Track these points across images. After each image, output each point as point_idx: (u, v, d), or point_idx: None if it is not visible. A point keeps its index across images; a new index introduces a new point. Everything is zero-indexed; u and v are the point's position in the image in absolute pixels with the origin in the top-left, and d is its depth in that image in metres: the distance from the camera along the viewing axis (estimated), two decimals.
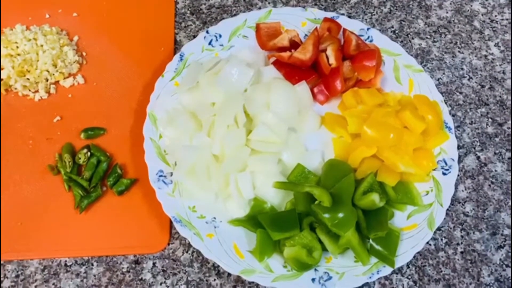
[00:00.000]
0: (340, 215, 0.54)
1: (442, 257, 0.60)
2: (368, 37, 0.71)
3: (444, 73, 0.74)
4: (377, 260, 0.56)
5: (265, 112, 0.62)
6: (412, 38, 0.76)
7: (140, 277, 0.57)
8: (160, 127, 0.62)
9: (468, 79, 0.73)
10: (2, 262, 0.57)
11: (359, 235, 0.56)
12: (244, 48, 0.69)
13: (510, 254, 0.61)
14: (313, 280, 0.55)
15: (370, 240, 0.56)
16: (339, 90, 0.66)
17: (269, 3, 0.77)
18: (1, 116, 0.64)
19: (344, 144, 0.64)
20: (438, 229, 0.62)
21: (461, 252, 0.61)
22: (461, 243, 0.61)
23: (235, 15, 0.75)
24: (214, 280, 0.57)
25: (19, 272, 0.56)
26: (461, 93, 0.72)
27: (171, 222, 0.60)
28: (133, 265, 0.58)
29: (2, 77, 0.65)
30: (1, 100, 0.65)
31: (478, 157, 0.67)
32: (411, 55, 0.71)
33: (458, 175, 0.63)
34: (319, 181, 0.60)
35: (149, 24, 0.73)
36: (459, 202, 0.64)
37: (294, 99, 0.64)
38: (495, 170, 0.67)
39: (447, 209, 0.61)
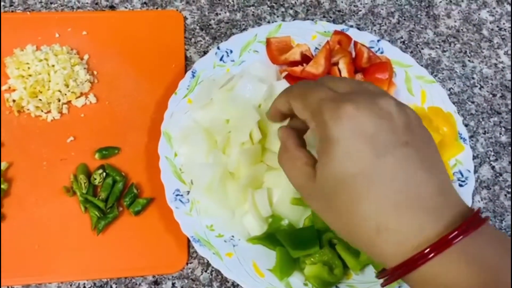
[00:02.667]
0: None
1: None
2: (379, 49, 0.71)
3: (455, 83, 0.74)
4: None
5: (279, 126, 0.61)
6: (422, 48, 0.76)
7: None
8: (175, 146, 0.62)
9: (480, 88, 0.74)
10: (20, 287, 0.56)
11: None
12: (256, 63, 0.68)
13: None
14: None
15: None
16: None
17: (277, 16, 0.78)
18: (15, 138, 0.64)
19: None
20: None
21: None
22: None
23: (244, 29, 0.75)
24: None
25: None
26: (473, 102, 0.72)
27: (188, 240, 0.60)
28: (152, 286, 0.57)
29: (14, 98, 0.65)
30: (14, 121, 0.65)
31: (493, 167, 0.67)
32: (422, 66, 0.71)
33: (474, 187, 0.62)
34: None
35: (159, 41, 0.73)
36: None
37: None
38: (511, 180, 0.66)
39: None
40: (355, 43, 0.70)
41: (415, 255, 0.32)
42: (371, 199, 0.33)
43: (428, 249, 0.32)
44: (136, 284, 0.57)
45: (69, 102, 0.67)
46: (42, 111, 0.65)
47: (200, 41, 0.74)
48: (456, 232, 0.32)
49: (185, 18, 0.76)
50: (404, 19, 0.79)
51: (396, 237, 0.33)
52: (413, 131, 0.35)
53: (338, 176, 0.34)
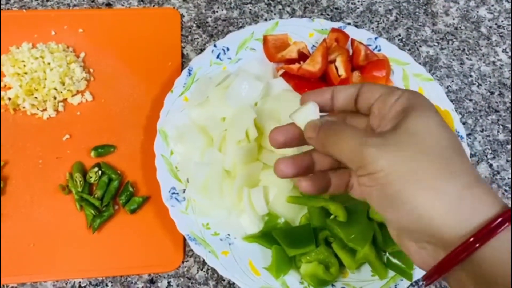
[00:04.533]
0: (356, 229, 0.54)
1: None
2: (376, 47, 0.70)
3: (453, 81, 0.73)
4: (395, 274, 0.55)
5: (276, 124, 0.61)
6: (420, 46, 0.76)
7: None
8: (171, 144, 0.62)
9: (477, 86, 0.73)
10: (15, 285, 0.56)
11: (375, 249, 0.55)
12: (252, 61, 0.68)
13: None
14: None
15: (387, 254, 0.56)
16: None
17: (275, 14, 0.77)
18: (10, 136, 0.64)
19: None
20: None
21: None
22: None
23: (241, 27, 0.75)
24: None
25: None
26: (470, 100, 0.72)
27: (184, 239, 0.59)
28: (148, 284, 0.57)
29: (10, 96, 0.65)
30: (10, 119, 0.65)
31: (491, 165, 0.67)
32: (419, 63, 0.71)
33: None
34: (333, 195, 0.59)
35: (155, 38, 0.73)
36: None
37: None
38: (508, 178, 0.66)
39: None
40: (353, 40, 0.70)
41: (495, 217, 0.31)
42: (459, 158, 0.33)
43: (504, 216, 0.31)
44: (132, 282, 0.57)
45: (65, 100, 0.67)
46: (38, 109, 0.65)
47: (197, 38, 0.74)
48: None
49: (182, 16, 0.75)
50: (402, 17, 0.79)
51: (484, 196, 0.32)
52: None
53: (437, 124, 0.33)
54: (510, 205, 0.32)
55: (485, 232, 0.30)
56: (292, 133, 0.40)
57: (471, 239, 0.30)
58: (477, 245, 0.30)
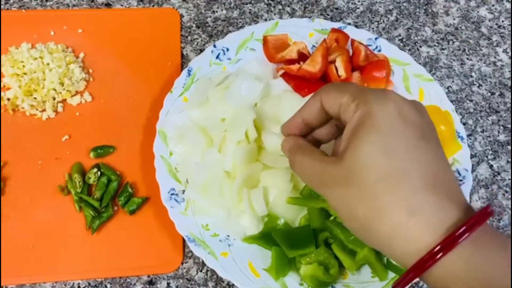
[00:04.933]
0: None
1: None
2: (377, 47, 0.70)
3: (453, 81, 0.73)
4: (394, 275, 0.55)
5: (276, 125, 0.61)
6: (420, 46, 0.76)
7: None
8: (171, 144, 0.61)
9: (478, 87, 0.73)
10: (15, 286, 0.56)
11: (375, 251, 0.55)
12: (252, 61, 0.68)
13: None
14: None
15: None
16: None
17: (274, 14, 0.77)
18: (9, 137, 0.63)
19: None
20: None
21: None
22: None
23: (241, 27, 0.75)
24: None
25: None
26: (471, 101, 0.72)
27: (184, 240, 0.59)
28: (147, 286, 0.57)
29: (9, 96, 0.65)
30: (9, 120, 0.64)
31: (491, 166, 0.67)
32: (420, 64, 0.70)
33: (471, 185, 0.62)
34: None
35: (155, 39, 0.72)
36: None
37: None
38: (509, 179, 0.66)
39: None
40: (353, 41, 0.69)
41: (448, 236, 0.31)
42: (410, 177, 0.32)
43: (462, 229, 0.31)
44: (131, 283, 0.57)
45: (64, 100, 0.67)
46: (37, 109, 0.65)
47: (197, 39, 0.74)
48: (473, 221, 0.31)
49: (182, 16, 0.75)
50: (402, 17, 0.78)
51: (429, 221, 0.32)
52: (434, 131, 0.37)
53: (377, 150, 0.33)
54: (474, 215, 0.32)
55: (445, 245, 0.31)
56: (298, 123, 0.43)
57: (435, 249, 0.31)
58: (439, 256, 0.31)
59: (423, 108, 0.37)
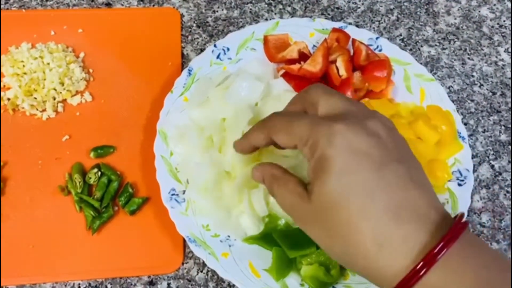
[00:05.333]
0: None
1: None
2: (377, 47, 0.70)
3: (454, 81, 0.73)
4: None
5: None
6: (421, 46, 0.76)
7: None
8: (171, 144, 0.61)
9: (479, 86, 0.73)
10: (15, 287, 0.56)
11: None
12: (253, 61, 0.68)
13: None
14: None
15: None
16: None
17: (275, 13, 0.77)
18: (9, 137, 0.63)
19: None
20: None
21: None
22: None
23: (241, 27, 0.75)
24: None
25: None
26: (472, 100, 0.72)
27: (184, 240, 0.59)
28: (148, 286, 0.57)
29: (9, 96, 0.65)
30: (9, 120, 0.64)
31: (492, 166, 0.67)
32: (421, 63, 0.70)
33: (473, 185, 0.62)
34: None
35: (155, 38, 0.72)
36: (475, 213, 0.63)
37: None
38: (510, 179, 0.66)
39: None
40: (353, 40, 0.69)
41: (417, 266, 0.32)
42: (372, 212, 0.33)
43: (429, 257, 0.32)
44: (131, 284, 0.57)
45: (64, 100, 0.66)
46: (37, 109, 0.65)
47: (197, 38, 0.74)
48: (444, 242, 0.32)
49: (182, 16, 0.75)
50: (403, 16, 0.78)
51: (398, 251, 0.33)
52: (401, 151, 0.37)
53: (334, 193, 0.34)
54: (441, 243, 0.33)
55: (426, 261, 0.32)
56: (248, 146, 0.46)
57: (417, 266, 0.32)
58: (422, 272, 0.32)
59: (380, 127, 0.37)
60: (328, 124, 0.36)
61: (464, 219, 0.35)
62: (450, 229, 0.33)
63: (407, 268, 0.32)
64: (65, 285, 0.56)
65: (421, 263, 0.32)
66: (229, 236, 0.57)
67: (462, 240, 0.33)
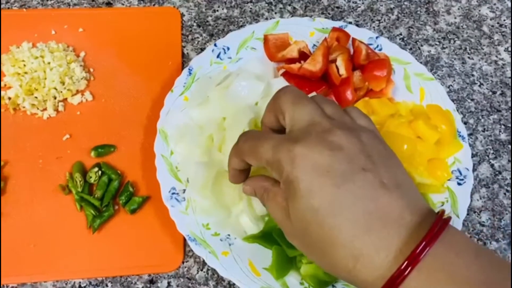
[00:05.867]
0: None
1: None
2: (377, 46, 0.70)
3: (454, 80, 0.73)
4: None
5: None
6: (421, 45, 0.76)
7: None
8: (171, 144, 0.61)
9: (479, 86, 0.73)
10: (15, 285, 0.56)
11: None
12: (253, 60, 0.68)
13: None
14: None
15: None
16: (350, 101, 0.65)
17: (275, 13, 0.77)
18: (10, 136, 0.63)
19: None
20: None
21: None
22: None
23: (241, 26, 0.75)
24: None
25: None
26: (472, 100, 0.72)
27: (184, 239, 0.59)
28: (148, 285, 0.57)
29: (10, 96, 0.65)
30: (10, 119, 0.65)
31: (492, 165, 0.67)
32: (421, 63, 0.70)
33: (472, 184, 0.62)
34: None
35: (156, 38, 0.72)
36: (475, 212, 0.63)
37: None
38: (510, 178, 0.66)
39: (463, 220, 0.60)
40: (354, 39, 0.69)
41: (393, 274, 0.32)
42: (342, 228, 0.34)
43: (404, 264, 0.32)
44: (132, 283, 0.57)
45: (65, 99, 0.67)
46: (37, 108, 0.65)
47: (197, 38, 0.74)
48: (421, 246, 0.32)
49: (182, 15, 0.75)
50: (403, 16, 0.78)
51: (374, 261, 0.33)
52: (369, 156, 0.36)
53: (306, 214, 0.35)
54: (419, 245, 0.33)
55: (410, 261, 0.32)
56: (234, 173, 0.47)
57: (402, 266, 0.32)
58: (406, 272, 0.32)
59: (344, 138, 0.37)
60: (288, 147, 0.37)
61: (445, 216, 0.35)
62: (427, 232, 0.33)
63: (383, 278, 0.33)
64: (66, 284, 0.56)
65: (398, 270, 0.32)
66: (229, 235, 0.58)
67: (442, 241, 0.33)
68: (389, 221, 0.34)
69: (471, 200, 0.63)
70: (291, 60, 0.68)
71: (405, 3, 0.79)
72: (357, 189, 0.34)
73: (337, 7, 0.78)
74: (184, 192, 0.59)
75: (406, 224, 0.34)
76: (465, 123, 0.69)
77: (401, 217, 0.34)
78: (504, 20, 0.79)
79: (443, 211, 0.35)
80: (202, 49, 0.71)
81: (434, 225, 0.33)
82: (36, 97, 0.65)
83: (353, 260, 0.34)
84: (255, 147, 0.40)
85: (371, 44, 0.69)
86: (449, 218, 0.34)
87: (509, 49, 0.76)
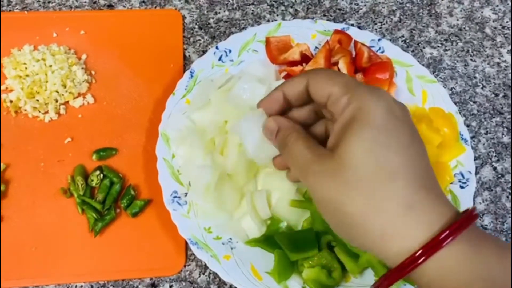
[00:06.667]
0: None
1: None
2: (380, 48, 0.70)
3: (457, 82, 0.73)
4: None
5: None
6: (424, 47, 0.75)
7: None
8: (173, 147, 0.61)
9: (482, 88, 0.73)
10: None
11: None
12: (254, 63, 0.68)
13: None
14: None
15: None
16: None
17: (277, 15, 0.77)
18: (12, 139, 0.63)
19: None
20: None
21: None
22: None
23: (243, 28, 0.75)
24: None
25: None
26: (475, 102, 0.71)
27: (186, 243, 0.59)
28: None
29: (11, 99, 0.65)
30: (12, 122, 0.65)
31: (495, 168, 0.67)
32: (423, 65, 0.70)
33: (475, 188, 0.62)
34: None
35: (157, 40, 0.72)
36: None
37: None
38: None
39: None
40: (355, 42, 0.69)
41: (435, 237, 0.31)
42: (405, 175, 0.32)
43: (443, 235, 0.31)
44: (134, 286, 0.57)
45: (66, 102, 0.67)
46: (39, 111, 0.65)
47: (199, 40, 0.74)
48: (447, 232, 0.31)
49: (184, 17, 0.75)
50: (406, 18, 0.78)
51: (426, 215, 0.32)
52: (418, 132, 0.36)
53: (371, 148, 0.32)
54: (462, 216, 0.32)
55: (427, 249, 0.31)
56: (278, 99, 0.41)
57: (417, 253, 0.31)
58: (420, 260, 0.31)
59: (408, 110, 0.37)
60: (372, 86, 0.36)
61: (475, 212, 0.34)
62: (466, 214, 0.32)
63: (428, 239, 0.31)
64: (68, 287, 0.56)
65: (435, 240, 0.31)
66: (231, 239, 0.58)
67: (470, 230, 0.32)
68: (439, 189, 0.33)
69: (474, 203, 0.63)
70: (293, 63, 0.68)
71: (407, 5, 0.79)
72: (421, 148, 0.34)
73: (339, 9, 0.78)
74: (186, 195, 0.59)
75: (447, 201, 0.33)
76: (467, 125, 0.69)
77: (443, 193, 0.34)
78: (507, 22, 0.79)
79: (474, 207, 0.35)
80: (204, 52, 0.71)
81: (469, 213, 0.32)
82: (37, 100, 0.65)
83: (404, 208, 0.32)
84: (332, 72, 0.37)
85: (373, 47, 0.69)
86: (478, 214, 0.34)
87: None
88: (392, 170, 0.32)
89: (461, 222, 0.31)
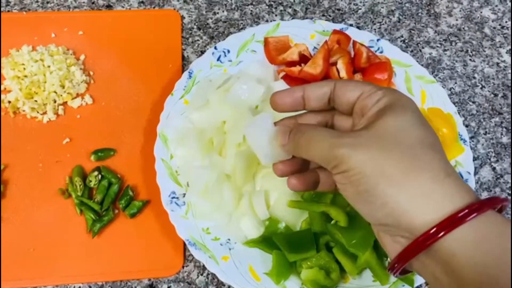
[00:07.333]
0: (358, 235, 0.53)
1: None
2: (378, 48, 0.70)
3: (456, 83, 0.73)
4: (396, 279, 0.55)
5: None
6: (423, 47, 0.75)
7: None
8: (171, 147, 0.61)
9: (481, 88, 0.72)
10: None
11: (377, 254, 0.55)
12: (253, 63, 0.68)
13: None
14: None
15: (388, 259, 0.56)
16: None
17: (276, 15, 0.77)
18: (10, 140, 0.63)
19: None
20: None
21: None
22: None
23: (242, 29, 0.75)
24: None
25: None
26: (474, 102, 0.71)
27: (184, 243, 0.59)
28: None
29: (10, 99, 0.65)
30: (10, 123, 0.64)
31: (494, 168, 0.66)
32: (422, 65, 0.70)
33: (474, 188, 0.61)
34: (334, 199, 0.59)
35: (156, 41, 0.72)
36: None
37: None
38: (511, 181, 0.65)
39: None
40: (354, 42, 0.69)
41: (463, 209, 0.31)
42: (441, 151, 0.34)
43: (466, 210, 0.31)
44: (132, 287, 0.57)
45: (65, 103, 0.67)
46: (37, 112, 0.65)
47: (198, 40, 0.73)
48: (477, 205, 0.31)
49: (183, 17, 0.75)
50: (405, 18, 0.78)
51: (461, 184, 0.33)
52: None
53: (412, 121, 0.35)
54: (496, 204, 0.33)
55: (449, 222, 0.31)
56: (297, 96, 0.41)
57: (434, 228, 0.31)
58: (441, 234, 0.31)
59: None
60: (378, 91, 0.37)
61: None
62: (489, 198, 0.32)
63: (461, 208, 0.31)
64: None
65: (485, 199, 0.32)
66: (229, 240, 0.57)
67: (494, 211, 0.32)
68: (457, 179, 0.34)
69: None
70: (292, 63, 0.68)
71: (406, 5, 0.79)
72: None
73: (338, 9, 0.78)
74: (184, 196, 0.59)
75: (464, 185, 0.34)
76: (466, 126, 0.69)
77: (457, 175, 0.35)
78: (506, 22, 0.78)
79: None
80: (202, 52, 0.71)
81: (497, 197, 0.33)
82: (36, 101, 0.65)
83: (445, 174, 0.33)
84: (360, 81, 0.40)
85: (372, 47, 0.69)
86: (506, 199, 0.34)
87: (511, 51, 0.76)
88: (432, 143, 0.34)
89: (495, 197, 0.32)
